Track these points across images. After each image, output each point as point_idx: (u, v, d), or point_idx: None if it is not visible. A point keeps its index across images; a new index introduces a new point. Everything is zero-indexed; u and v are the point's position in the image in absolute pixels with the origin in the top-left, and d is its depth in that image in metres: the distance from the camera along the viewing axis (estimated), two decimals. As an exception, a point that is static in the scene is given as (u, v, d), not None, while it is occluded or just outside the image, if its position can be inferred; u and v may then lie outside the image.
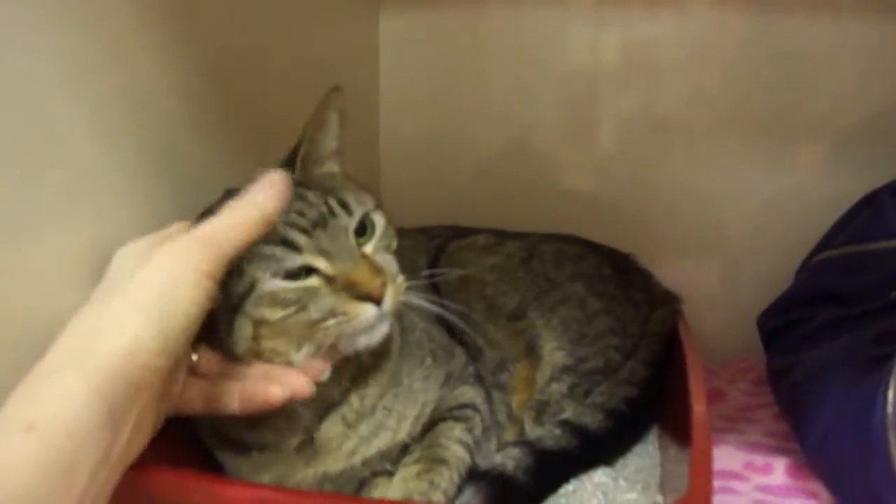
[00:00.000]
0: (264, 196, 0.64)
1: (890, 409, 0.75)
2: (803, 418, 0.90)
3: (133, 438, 0.57)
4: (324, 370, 0.71)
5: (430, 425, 0.80)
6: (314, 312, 0.66)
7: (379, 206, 0.74)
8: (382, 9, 1.38)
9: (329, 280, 0.67)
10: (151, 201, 0.77)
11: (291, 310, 0.66)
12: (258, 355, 0.68)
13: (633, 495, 0.76)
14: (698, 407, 0.72)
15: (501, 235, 1.04)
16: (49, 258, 0.66)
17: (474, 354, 0.88)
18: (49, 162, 0.66)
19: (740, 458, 0.93)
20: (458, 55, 1.37)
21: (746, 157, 1.27)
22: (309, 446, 0.75)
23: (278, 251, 0.66)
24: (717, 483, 0.87)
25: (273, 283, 0.66)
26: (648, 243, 1.25)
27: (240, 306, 0.66)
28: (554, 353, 0.90)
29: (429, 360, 0.83)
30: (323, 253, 0.67)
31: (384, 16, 1.39)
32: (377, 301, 0.67)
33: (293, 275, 0.66)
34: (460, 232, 1.05)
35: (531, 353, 0.91)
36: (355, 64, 1.35)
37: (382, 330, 0.70)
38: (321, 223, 0.68)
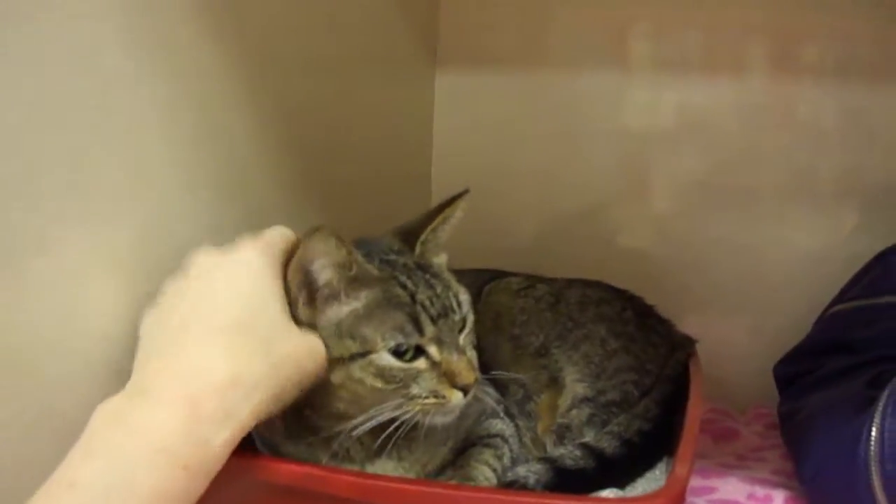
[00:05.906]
0: None
1: (873, 444, 0.83)
2: (801, 453, 0.97)
3: None
4: None
5: (462, 450, 0.90)
6: (415, 389, 0.77)
7: (471, 303, 0.86)
8: (439, 66, 1.48)
9: (433, 364, 0.79)
10: (223, 228, 0.87)
11: (392, 385, 0.77)
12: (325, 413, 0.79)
13: (635, 515, 0.83)
14: (680, 468, 0.75)
15: (532, 279, 1.13)
16: (132, 283, 0.77)
17: (502, 391, 0.97)
18: (138, 192, 0.79)
19: (744, 489, 1.00)
20: (512, 113, 1.45)
21: (784, 216, 1.34)
22: None
23: (408, 327, 0.77)
24: (718, 510, 0.95)
25: (386, 359, 0.77)
26: (677, 292, 1.30)
27: (348, 360, 0.76)
28: (575, 384, 0.98)
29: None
30: (438, 341, 0.79)
31: (440, 72, 1.48)
32: (466, 391, 0.79)
33: (404, 352, 0.77)
34: (497, 274, 1.16)
35: (554, 383, 1.00)
36: (410, 117, 1.45)
37: (457, 413, 0.81)
38: (444, 315, 0.80)
